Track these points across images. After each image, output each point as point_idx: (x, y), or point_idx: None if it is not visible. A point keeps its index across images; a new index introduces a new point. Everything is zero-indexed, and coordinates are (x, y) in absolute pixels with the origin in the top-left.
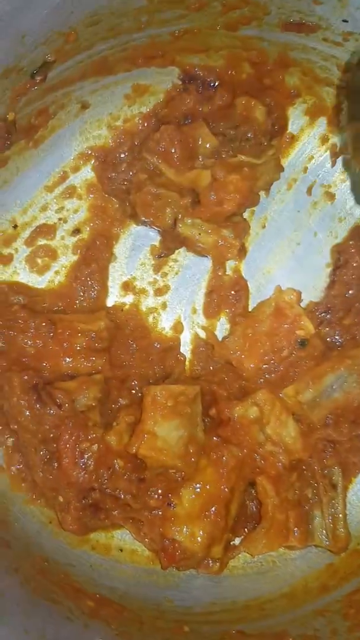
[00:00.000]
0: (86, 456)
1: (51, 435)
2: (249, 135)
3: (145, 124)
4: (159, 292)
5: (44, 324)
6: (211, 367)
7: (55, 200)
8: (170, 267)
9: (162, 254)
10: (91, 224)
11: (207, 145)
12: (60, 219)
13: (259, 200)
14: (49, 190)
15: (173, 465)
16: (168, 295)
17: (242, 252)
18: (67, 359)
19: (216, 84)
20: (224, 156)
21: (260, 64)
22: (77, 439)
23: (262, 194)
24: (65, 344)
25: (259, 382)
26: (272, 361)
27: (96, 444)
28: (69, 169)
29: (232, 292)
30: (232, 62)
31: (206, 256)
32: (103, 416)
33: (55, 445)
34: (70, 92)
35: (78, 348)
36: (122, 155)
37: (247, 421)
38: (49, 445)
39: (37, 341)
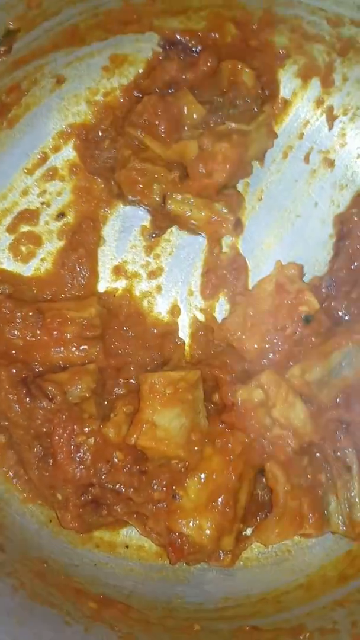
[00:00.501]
0: (82, 450)
1: (44, 430)
2: (238, 101)
3: (127, 97)
4: (153, 274)
5: (31, 313)
6: (212, 351)
7: (36, 184)
8: (162, 247)
9: (153, 234)
10: (76, 207)
11: (194, 115)
12: (43, 203)
13: (251, 170)
14: (29, 173)
15: (175, 455)
16: (162, 277)
17: (239, 227)
18: (58, 349)
19: (199, 48)
20: (212, 125)
21: (244, 24)
22: (71, 433)
23: (256, 164)
24: (55, 334)
25: (262, 363)
26: (275, 340)
27: (92, 437)
28: (48, 149)
29: (230, 271)
30: (215, 23)
31: (200, 234)
32: (99, 408)
33: (49, 440)
34: (43, 66)
35: (69, 337)
36: (104, 132)
37: (252, 405)
38: (43, 440)
39: (25, 332)
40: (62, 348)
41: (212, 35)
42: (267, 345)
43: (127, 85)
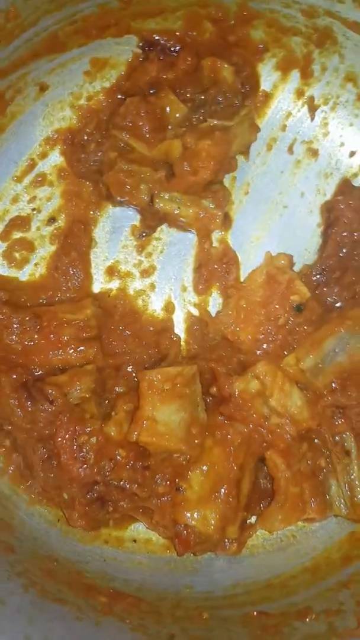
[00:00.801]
0: (85, 450)
1: (47, 432)
2: (219, 98)
3: (110, 100)
4: (146, 273)
5: (27, 318)
6: (208, 345)
7: (25, 190)
8: (154, 246)
9: (143, 234)
10: (66, 211)
11: (177, 114)
12: (33, 209)
13: (236, 165)
14: (18, 181)
15: (177, 449)
16: (155, 275)
17: (227, 221)
18: (56, 352)
19: (178, 48)
20: (194, 123)
21: (221, 21)
22: (73, 434)
23: (241, 158)
24: (52, 337)
25: (257, 354)
26: (269, 331)
27: (95, 437)
28: (36, 156)
29: (221, 265)
30: (192, 22)
31: (190, 230)
32: (100, 407)
33: (52, 442)
34: (25, 75)
35: (66, 339)
36: (90, 135)
37: (249, 396)
38: (46, 443)
39: (23, 337)
40: (60, 350)
41: (190, 33)
42: (261, 336)
43: (109, 88)
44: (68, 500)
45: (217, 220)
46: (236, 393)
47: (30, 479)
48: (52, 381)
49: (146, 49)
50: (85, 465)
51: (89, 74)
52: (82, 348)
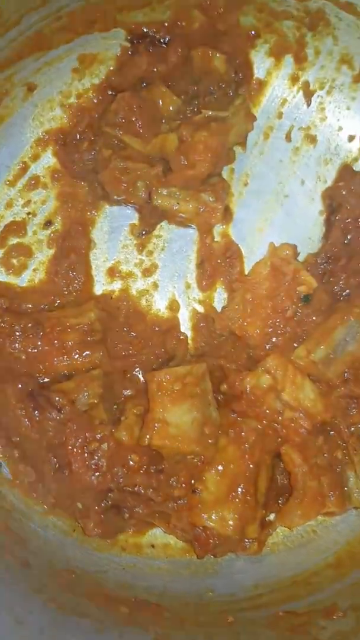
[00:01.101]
0: (97, 457)
1: (56, 441)
2: (212, 88)
3: (101, 97)
4: (147, 272)
5: (30, 325)
6: (215, 341)
7: (19, 195)
8: (154, 244)
9: (143, 232)
10: (62, 213)
11: (170, 107)
12: (28, 214)
13: (234, 156)
14: (11, 185)
15: (190, 450)
16: (157, 274)
17: (228, 214)
18: (61, 358)
19: (167, 39)
20: (189, 115)
21: (210, 9)
22: (84, 441)
23: (238, 149)
24: (56, 343)
25: (266, 348)
26: (277, 323)
27: (105, 443)
28: (27, 158)
29: (225, 259)
30: (180, 11)
31: (190, 226)
32: (109, 412)
33: (62, 451)
34: (11, 75)
35: (71, 344)
36: (82, 134)
37: (260, 391)
38: (57, 452)
39: (26, 344)
40: (65, 356)
41: (179, 24)
42: (269, 330)
43: (99, 85)
44: (82, 510)
45: (218, 214)
46: (247, 389)
47: (42, 489)
48: (58, 388)
49: (135, 42)
50: (97, 473)
51: (78, 71)
52: (87, 352)
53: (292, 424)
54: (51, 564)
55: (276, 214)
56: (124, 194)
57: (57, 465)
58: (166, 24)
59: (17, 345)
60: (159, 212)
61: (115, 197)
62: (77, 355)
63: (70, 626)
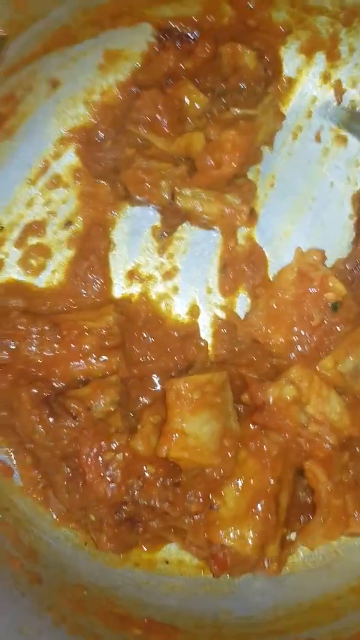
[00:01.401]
0: (112, 467)
1: (70, 450)
2: (241, 85)
3: (125, 94)
4: (168, 275)
5: (47, 327)
6: (236, 349)
7: (40, 193)
8: (175, 246)
9: (164, 234)
10: (83, 213)
11: (196, 105)
12: (49, 213)
13: (261, 156)
14: (32, 183)
15: (209, 463)
16: (178, 277)
17: (253, 217)
18: (78, 363)
19: (196, 35)
20: (216, 113)
21: (241, 3)
22: (99, 451)
23: (265, 149)
24: (73, 347)
25: (291, 357)
26: (302, 332)
27: (121, 453)
28: (49, 156)
29: (248, 264)
30: (210, 5)
31: (213, 228)
32: (125, 420)
33: (76, 460)
34: (36, 71)
35: (88, 348)
36: (105, 132)
37: (284, 403)
38: (70, 461)
39: (42, 347)
40: (81, 361)
41: (208, 19)
42: (294, 338)
43: (124, 82)
44: (95, 522)
45: (243, 216)
46: (270, 400)
47: (54, 499)
48: (74, 395)
49: (162, 37)
50: (112, 484)
51: (102, 67)
52: (104, 358)
53: (317, 439)
54: (62, 578)
55: (303, 217)
56: (146, 194)
57: (70, 475)
58: (195, 19)
59: (33, 348)
60: (182, 214)
61: (137, 197)
62: (94, 360)
63: None
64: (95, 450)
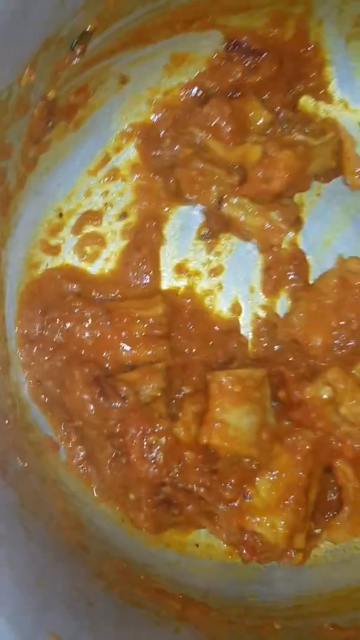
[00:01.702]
0: (155, 450)
1: (117, 430)
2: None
3: (187, 96)
4: (214, 272)
5: (100, 313)
6: (275, 347)
7: (99, 184)
8: (223, 245)
9: (205, 235)
10: (138, 206)
11: (260, 121)
12: (106, 204)
13: (310, 185)
14: (92, 174)
15: (247, 454)
16: (223, 275)
17: (298, 223)
18: (127, 348)
19: (263, 55)
20: (278, 133)
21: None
22: (144, 432)
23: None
24: (123, 333)
25: (327, 359)
26: (341, 336)
27: (164, 437)
28: (110, 150)
29: (291, 267)
30: (276, 18)
31: (251, 240)
32: (168, 407)
33: (121, 440)
34: (109, 66)
35: (137, 336)
36: (166, 131)
37: (319, 402)
38: (116, 440)
39: (95, 331)
40: (130, 347)
41: (272, 33)
42: (333, 341)
43: (187, 84)
44: (134, 501)
45: (282, 235)
46: (307, 399)
47: (97, 477)
48: (123, 378)
49: (230, 48)
50: (154, 466)
51: (168, 68)
52: (153, 345)
53: (348, 439)
54: (105, 551)
55: (346, 226)
56: (196, 194)
57: (114, 454)
58: (260, 34)
59: (86, 332)
60: (225, 220)
61: (187, 196)
62: (143, 347)
63: (131, 614)
64: (140, 432)
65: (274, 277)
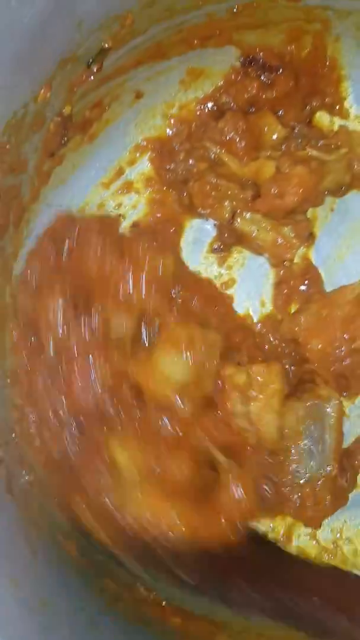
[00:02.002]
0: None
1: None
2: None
3: (203, 110)
4: (225, 286)
5: None
6: (272, 340)
7: (112, 197)
8: (235, 259)
9: (217, 249)
10: (151, 219)
11: (275, 136)
12: (118, 216)
13: (323, 201)
14: (106, 187)
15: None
16: (234, 288)
17: (311, 237)
18: None
19: (279, 70)
20: (292, 148)
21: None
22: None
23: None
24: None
25: (315, 365)
26: (341, 349)
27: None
28: (124, 163)
29: (303, 282)
30: (292, 35)
31: (262, 255)
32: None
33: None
34: (125, 82)
35: None
36: (180, 145)
37: (233, 384)
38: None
39: None
40: None
41: (289, 49)
42: (333, 351)
43: (202, 99)
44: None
45: (294, 251)
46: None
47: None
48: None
49: (246, 64)
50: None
51: (184, 83)
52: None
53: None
54: (110, 568)
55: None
56: (209, 207)
57: None
58: (277, 51)
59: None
60: (237, 235)
61: (200, 209)
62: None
63: (134, 632)
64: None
65: (285, 291)
